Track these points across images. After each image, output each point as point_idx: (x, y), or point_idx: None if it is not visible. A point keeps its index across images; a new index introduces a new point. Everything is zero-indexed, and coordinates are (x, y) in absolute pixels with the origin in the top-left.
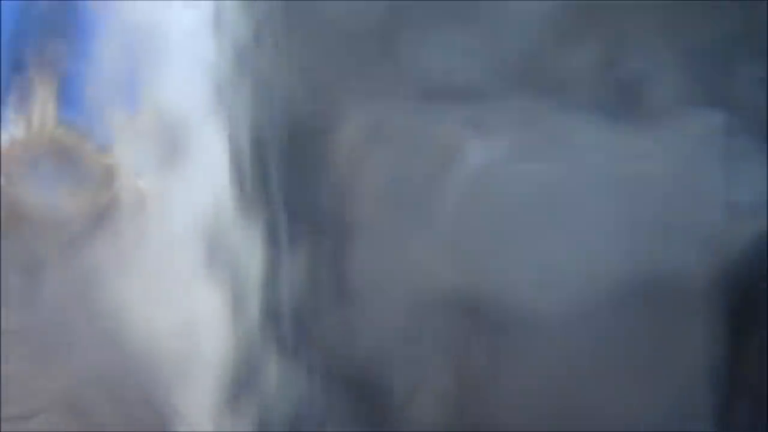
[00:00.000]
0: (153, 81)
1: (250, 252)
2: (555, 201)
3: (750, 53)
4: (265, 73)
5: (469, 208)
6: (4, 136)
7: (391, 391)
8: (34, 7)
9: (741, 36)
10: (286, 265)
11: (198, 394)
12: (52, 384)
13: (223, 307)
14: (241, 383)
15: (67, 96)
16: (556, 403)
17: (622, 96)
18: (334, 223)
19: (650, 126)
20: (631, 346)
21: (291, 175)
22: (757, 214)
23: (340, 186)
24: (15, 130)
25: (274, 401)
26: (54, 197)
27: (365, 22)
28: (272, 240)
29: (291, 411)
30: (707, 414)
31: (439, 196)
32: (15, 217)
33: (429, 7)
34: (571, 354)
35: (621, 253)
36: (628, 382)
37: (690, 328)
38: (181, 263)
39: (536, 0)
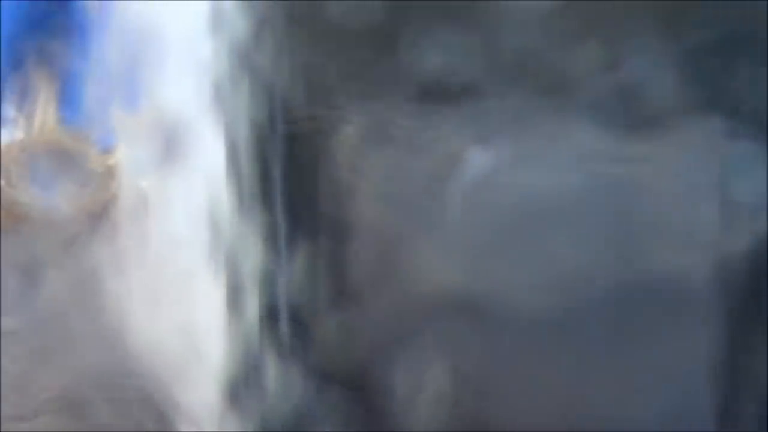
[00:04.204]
0: (153, 81)
1: (249, 251)
2: (554, 203)
3: (750, 54)
4: (265, 73)
5: (467, 209)
6: (4, 136)
7: (390, 392)
8: (34, 7)
9: (741, 36)
10: (284, 265)
11: (197, 393)
12: (52, 384)
13: (222, 307)
14: (241, 383)
15: (67, 96)
16: (557, 403)
17: (621, 97)
18: (333, 223)
19: (650, 127)
20: (633, 348)
21: (291, 175)
22: (757, 215)
23: (340, 186)
24: (15, 130)
25: (273, 401)
26: (54, 197)
27: (365, 22)
28: (271, 239)
29: (290, 410)
30: (709, 415)
31: (437, 197)
32: (14, 217)
33: (429, 7)
34: (573, 355)
35: (622, 255)
36: (630, 383)
37: (691, 330)
38: (180, 262)
39: (536, 0)
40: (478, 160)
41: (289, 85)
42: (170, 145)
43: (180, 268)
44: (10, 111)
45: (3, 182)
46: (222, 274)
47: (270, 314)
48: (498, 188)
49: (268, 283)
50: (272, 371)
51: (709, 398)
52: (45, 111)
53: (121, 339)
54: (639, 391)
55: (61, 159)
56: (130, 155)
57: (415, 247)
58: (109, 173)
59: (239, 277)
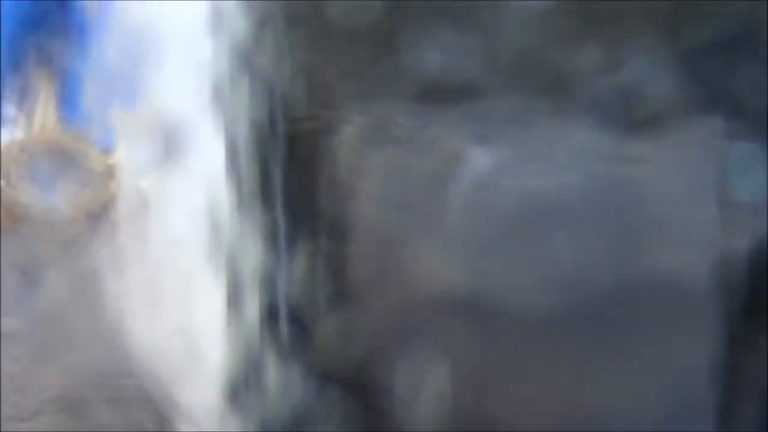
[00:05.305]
0: (152, 81)
1: (249, 251)
2: (554, 203)
3: (750, 54)
4: (265, 73)
5: (468, 209)
6: (4, 136)
7: (390, 392)
8: (34, 7)
9: (741, 36)
10: (284, 265)
11: (197, 393)
12: (52, 384)
13: (222, 307)
14: (241, 383)
15: (67, 96)
16: (557, 403)
17: (621, 97)
18: (333, 223)
19: (650, 127)
20: (633, 348)
21: (291, 175)
22: (757, 215)
23: (340, 186)
24: (15, 130)
25: (273, 401)
26: (54, 197)
27: (365, 22)
28: (271, 239)
29: (290, 410)
30: (709, 415)
31: (437, 197)
32: (14, 217)
33: (429, 7)
34: (573, 355)
35: (622, 255)
36: (630, 383)
37: (692, 330)
38: (180, 262)
39: (536, 0)
40: (478, 160)
41: (289, 85)
42: (170, 145)
43: (180, 268)
44: (10, 111)
45: (3, 182)
46: (222, 274)
47: (270, 314)
48: (498, 188)
49: (268, 283)
50: (272, 371)
51: (709, 398)
52: (45, 111)
53: (121, 339)
54: (639, 390)
55: (61, 159)
56: (129, 155)
57: (415, 247)
58: (109, 173)
59: (239, 277)
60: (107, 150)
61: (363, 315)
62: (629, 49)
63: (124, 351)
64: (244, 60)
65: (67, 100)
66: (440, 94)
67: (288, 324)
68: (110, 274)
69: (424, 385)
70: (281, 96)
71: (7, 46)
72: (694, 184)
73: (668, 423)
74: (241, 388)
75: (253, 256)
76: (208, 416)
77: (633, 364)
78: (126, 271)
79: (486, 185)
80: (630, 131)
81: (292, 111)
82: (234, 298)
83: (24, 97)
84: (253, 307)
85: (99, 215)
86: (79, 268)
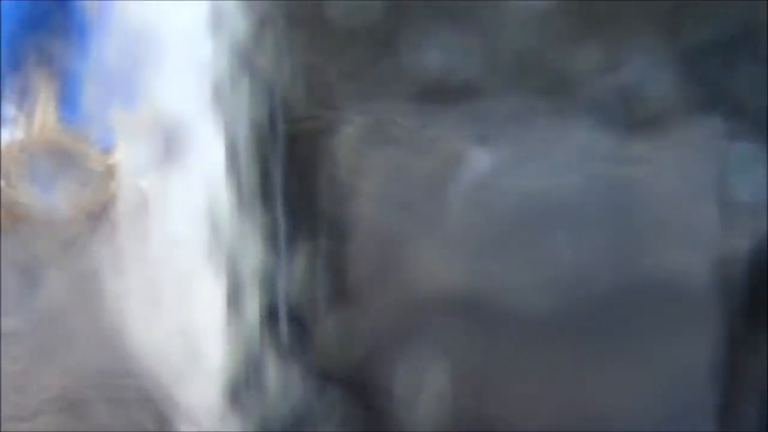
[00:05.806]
0: (152, 81)
1: (249, 251)
2: (554, 204)
3: (750, 54)
4: (265, 73)
5: (468, 209)
6: (4, 136)
7: (390, 392)
8: (34, 7)
9: (741, 36)
10: (284, 265)
11: (197, 393)
12: (52, 384)
13: (222, 307)
14: (241, 383)
15: (67, 96)
16: (557, 403)
17: (621, 97)
18: (333, 223)
19: (650, 127)
20: (633, 348)
21: (291, 175)
22: (757, 215)
23: (340, 186)
24: (15, 130)
25: (273, 401)
26: (54, 197)
27: (365, 22)
28: (271, 239)
29: (290, 410)
30: (709, 415)
31: (437, 197)
32: (14, 217)
33: (429, 7)
34: (573, 355)
35: (622, 255)
36: (630, 383)
37: (692, 330)
38: (180, 262)
39: (536, 0)
40: (478, 160)
41: (289, 85)
42: (170, 145)
43: (180, 268)
44: (10, 111)
45: (3, 182)
46: (222, 274)
47: (270, 314)
48: (498, 188)
49: (268, 283)
50: (272, 371)
51: (709, 398)
52: (45, 111)
53: (121, 339)
54: (639, 390)
55: (61, 159)
56: (129, 155)
57: (415, 247)
58: (109, 173)
59: (239, 277)
60: (107, 150)
61: (363, 315)
62: (629, 49)
63: (124, 351)
64: (244, 60)
65: (67, 100)
66: (440, 94)
67: (288, 324)
68: (110, 274)
69: (424, 385)
70: (281, 96)
71: (7, 46)
72: (694, 184)
73: (668, 423)
74: (241, 388)
75: (253, 256)
76: (208, 416)
77: (633, 364)
78: (126, 271)
79: (486, 185)
80: (630, 131)
81: (292, 111)
82: (234, 298)
83: (24, 97)
84: (253, 307)
85: (99, 215)
86: (79, 268)
